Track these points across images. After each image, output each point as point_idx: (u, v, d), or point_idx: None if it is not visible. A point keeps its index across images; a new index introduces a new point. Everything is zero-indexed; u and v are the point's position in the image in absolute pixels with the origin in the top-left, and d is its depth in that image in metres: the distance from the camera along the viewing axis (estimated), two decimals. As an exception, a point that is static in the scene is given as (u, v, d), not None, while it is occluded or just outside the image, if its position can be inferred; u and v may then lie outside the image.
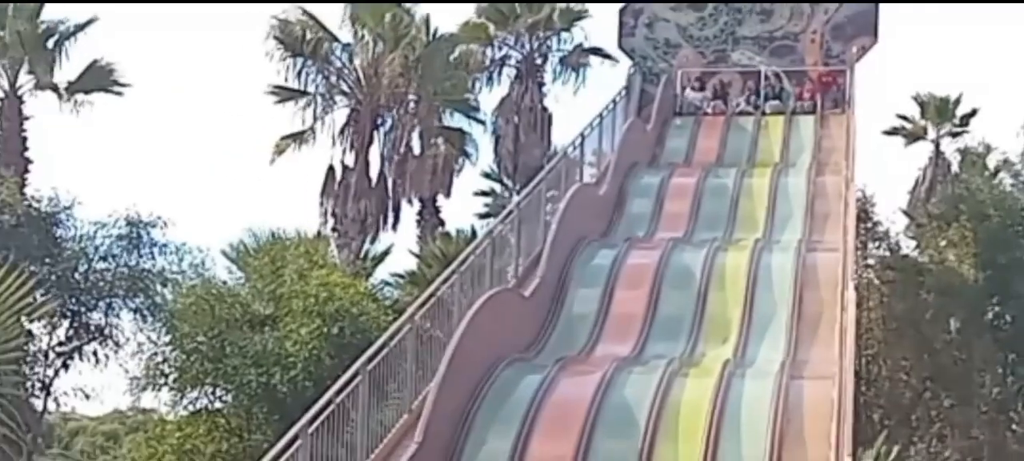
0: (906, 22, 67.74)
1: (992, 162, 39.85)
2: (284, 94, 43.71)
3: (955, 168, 45.54)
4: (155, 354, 29.00)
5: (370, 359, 18.86)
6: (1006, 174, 37.95)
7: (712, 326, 24.11)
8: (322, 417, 17.30)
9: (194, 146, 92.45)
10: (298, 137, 43.72)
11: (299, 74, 43.65)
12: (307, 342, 27.21)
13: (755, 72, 37.72)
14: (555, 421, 20.15)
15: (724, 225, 29.09)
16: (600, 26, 47.82)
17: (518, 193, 39.07)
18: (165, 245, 31.84)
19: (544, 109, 46.98)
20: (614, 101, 34.85)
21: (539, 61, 47.56)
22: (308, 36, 43.43)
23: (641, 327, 24.13)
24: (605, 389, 20.73)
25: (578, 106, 48.08)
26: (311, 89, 43.82)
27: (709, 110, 36.51)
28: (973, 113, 48.47)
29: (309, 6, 44.00)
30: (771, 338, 23.45)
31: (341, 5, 44.23)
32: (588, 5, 47.58)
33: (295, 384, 26.66)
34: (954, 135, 48.35)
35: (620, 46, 39.26)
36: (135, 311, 31.23)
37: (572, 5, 47.63)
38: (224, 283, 30.67)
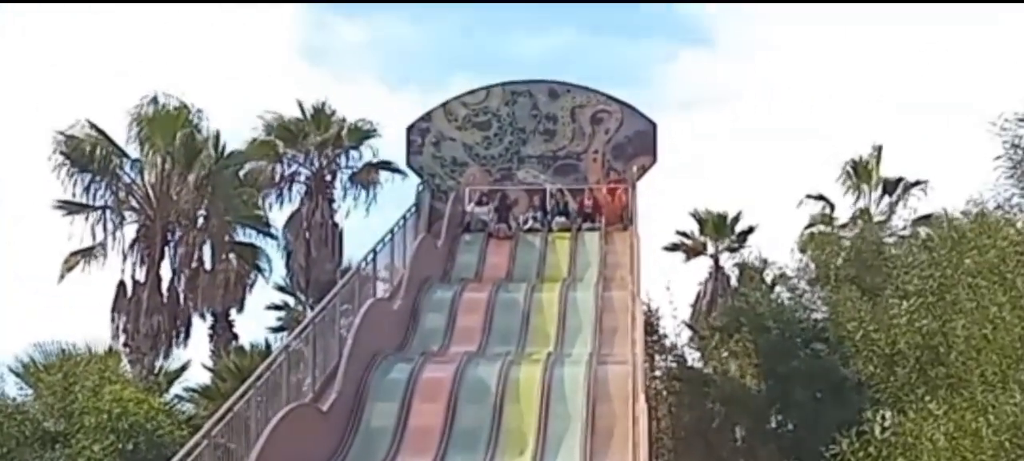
0: (685, 142, 69.87)
1: (769, 276, 40.97)
2: (72, 208, 43.21)
3: (734, 282, 46.70)
4: (-60, 474, 28.33)
5: (168, 476, 18.74)
6: (783, 288, 39.05)
7: (509, 439, 24.38)
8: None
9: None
10: (87, 253, 43.27)
11: (87, 189, 43.20)
12: (101, 459, 26.85)
13: (540, 189, 38.52)
14: (359, 535, 20.26)
15: (516, 339, 29.58)
16: (388, 145, 48.37)
17: (311, 307, 39.19)
18: (-51, 361, 31.23)
19: (335, 224, 47.30)
20: (404, 217, 35.33)
21: (329, 177, 47.90)
22: (96, 151, 43.05)
23: (439, 440, 24.32)
24: (408, 502, 20.94)
25: (370, 222, 48.44)
26: (100, 203, 43.39)
27: (496, 233, 36.95)
28: (750, 230, 49.90)
29: (96, 121, 43.77)
30: (566, 450, 23.82)
31: (128, 121, 44.10)
32: (377, 124, 48.27)
33: (90, 503, 26.34)
34: (732, 250, 49.64)
35: (409, 164, 39.81)
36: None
37: (360, 124, 48.13)
38: (13, 399, 30.11)
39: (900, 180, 47.71)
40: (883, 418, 24.52)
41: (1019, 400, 21.27)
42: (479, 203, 37.79)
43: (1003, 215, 25.63)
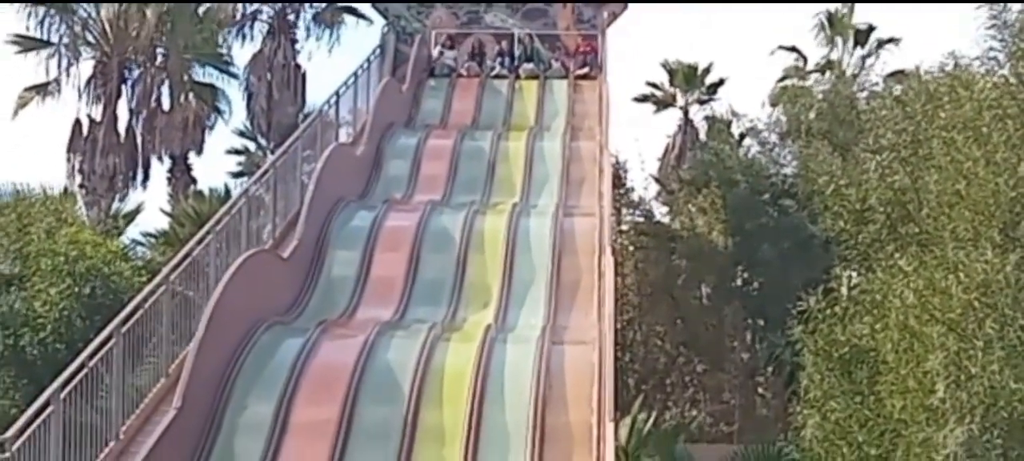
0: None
1: (739, 130, 40.50)
2: (26, 44, 42.23)
3: (703, 136, 46.17)
4: None
5: (124, 321, 18.25)
6: (752, 141, 38.61)
7: (472, 291, 24.06)
8: (75, 381, 16.66)
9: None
10: (42, 89, 42.40)
11: (41, 23, 42.24)
12: (57, 303, 26.31)
13: (508, 34, 37.84)
14: (318, 386, 19.87)
15: (482, 188, 29.15)
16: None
17: (272, 152, 38.62)
18: (-100, 201, 30.49)
19: (298, 66, 46.40)
20: (369, 60, 34.63)
21: (292, 17, 46.97)
22: (51, -16, 42.08)
23: (402, 291, 23.96)
24: (368, 353, 20.50)
25: (333, 64, 47.68)
26: (54, 39, 42.43)
27: (464, 71, 36.47)
28: (721, 82, 49.19)
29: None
30: (531, 303, 23.51)
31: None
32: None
33: (45, 347, 25.74)
34: (702, 103, 48.98)
35: (373, 6, 39.06)
36: None
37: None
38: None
39: (872, 29, 46.96)
40: (850, 278, 24.07)
41: (990, 258, 20.81)
42: (447, 47, 37.14)
43: (981, 66, 24.99)
